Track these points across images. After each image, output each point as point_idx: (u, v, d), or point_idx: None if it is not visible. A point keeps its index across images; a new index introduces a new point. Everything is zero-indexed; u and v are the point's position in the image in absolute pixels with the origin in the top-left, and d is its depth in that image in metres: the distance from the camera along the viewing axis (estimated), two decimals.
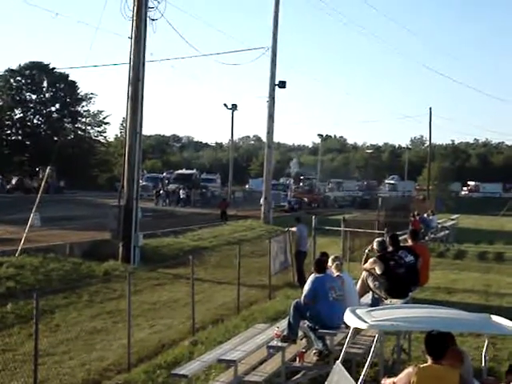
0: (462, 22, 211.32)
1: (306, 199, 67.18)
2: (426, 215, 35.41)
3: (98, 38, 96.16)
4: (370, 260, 12.36)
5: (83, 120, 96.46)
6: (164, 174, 76.44)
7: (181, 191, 60.87)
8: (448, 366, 6.44)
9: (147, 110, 40.60)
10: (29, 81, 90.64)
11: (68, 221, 35.09)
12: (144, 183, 57.05)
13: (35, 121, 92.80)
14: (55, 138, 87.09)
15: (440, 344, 6.43)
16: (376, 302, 11.85)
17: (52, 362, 11.85)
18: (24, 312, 14.89)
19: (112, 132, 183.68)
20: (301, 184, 78.74)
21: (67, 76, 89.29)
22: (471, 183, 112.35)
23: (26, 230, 21.95)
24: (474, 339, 12.22)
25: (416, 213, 34.29)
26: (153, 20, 24.22)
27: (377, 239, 13.30)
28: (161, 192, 61.04)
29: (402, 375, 6.48)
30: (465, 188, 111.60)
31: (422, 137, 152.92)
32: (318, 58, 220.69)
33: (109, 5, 25.77)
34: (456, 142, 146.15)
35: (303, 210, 56.47)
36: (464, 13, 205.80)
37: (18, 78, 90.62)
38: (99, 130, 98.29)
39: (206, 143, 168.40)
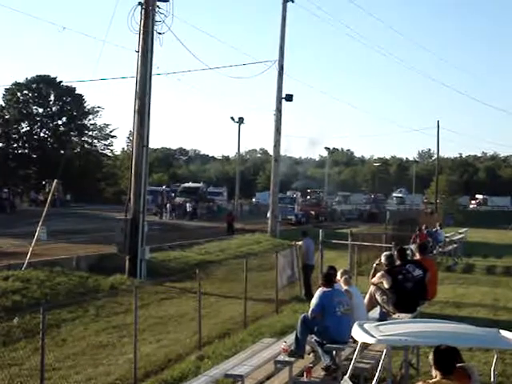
0: (468, 35, 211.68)
1: (312, 212, 67.12)
2: (434, 229, 35.25)
3: (104, 52, 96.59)
4: (378, 274, 12.31)
5: (90, 133, 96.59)
6: (163, 187, 75.65)
7: (187, 204, 60.93)
8: (457, 382, 6.37)
9: (154, 123, 40.73)
10: (36, 94, 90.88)
11: (74, 234, 35.14)
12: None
13: (42, 134, 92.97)
14: (62, 152, 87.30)
15: (449, 359, 6.37)
16: (384, 317, 11.78)
17: (58, 376, 11.80)
18: (30, 326, 14.80)
19: (119, 145, 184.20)
20: (308, 197, 78.71)
21: (74, 89, 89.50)
22: (479, 196, 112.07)
23: (33, 244, 21.95)
24: (483, 354, 12.14)
25: (424, 226, 34.11)
26: (159, 34, 24.27)
27: (384, 253, 13.27)
28: (167, 205, 61.05)
29: None
30: (473, 201, 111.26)
31: (429, 150, 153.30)
32: (325, 71, 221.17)
33: (116, 18, 25.87)
34: (464, 155, 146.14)
35: (310, 224, 56.42)
36: (471, 27, 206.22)
37: (25, 92, 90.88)
38: (106, 143, 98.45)
39: (213, 156, 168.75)
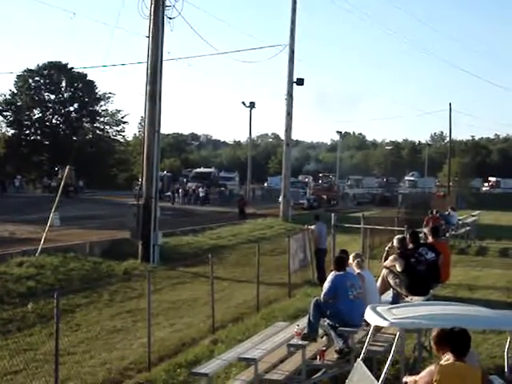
0: (481, 16, 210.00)
1: (324, 197, 67.02)
2: (447, 213, 35.08)
3: (115, 38, 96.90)
4: (391, 257, 12.30)
5: (102, 119, 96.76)
6: (165, 171, 74.17)
7: (200, 189, 60.99)
8: (470, 364, 6.39)
9: (165, 108, 40.71)
10: (47, 81, 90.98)
11: (87, 220, 35.29)
12: None
13: (54, 121, 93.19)
14: (74, 138, 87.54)
15: (464, 341, 6.39)
16: (396, 300, 11.78)
17: (73, 361, 11.87)
18: (45, 311, 14.95)
19: (130, 131, 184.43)
20: (320, 181, 78.63)
21: (85, 75, 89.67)
22: (492, 179, 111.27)
23: (46, 230, 22.06)
24: (496, 336, 12.13)
25: (435, 211, 33.97)
26: (170, 18, 24.25)
27: (397, 236, 13.25)
28: (179, 191, 61.11)
29: (425, 373, 6.44)
30: (486, 184, 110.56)
31: (442, 133, 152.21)
32: (337, 54, 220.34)
33: (126, 4, 25.90)
34: (476, 138, 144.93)
35: (322, 208, 56.38)
36: (484, 7, 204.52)
37: (37, 78, 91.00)
38: (118, 129, 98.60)
39: (224, 141, 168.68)
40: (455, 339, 6.39)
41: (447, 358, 6.41)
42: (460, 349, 6.36)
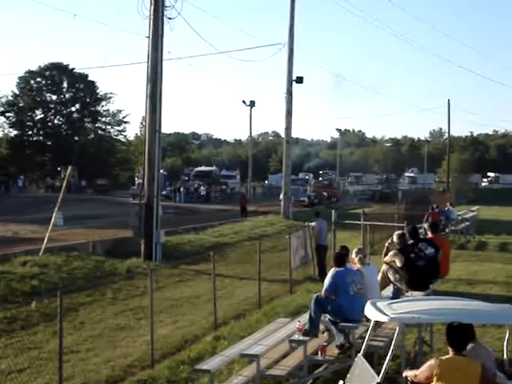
0: (480, 14, 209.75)
1: (325, 194, 67.01)
2: (446, 208, 35.12)
3: (116, 38, 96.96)
4: (390, 253, 12.37)
5: (103, 119, 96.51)
6: (160, 171, 73.23)
7: (201, 188, 61.05)
8: (470, 358, 6.47)
9: (166, 108, 40.81)
10: (49, 82, 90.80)
11: (90, 219, 35.37)
12: (139, 181, 55.79)
13: (56, 121, 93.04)
14: (76, 138, 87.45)
15: (462, 335, 6.46)
16: (397, 295, 11.87)
17: (77, 359, 11.99)
18: (48, 310, 15.04)
19: (132, 131, 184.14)
20: (320, 179, 78.65)
21: (86, 76, 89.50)
22: (491, 174, 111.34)
23: (49, 229, 22.16)
24: (496, 330, 12.21)
25: (435, 206, 34.04)
26: (170, 19, 24.36)
27: (397, 232, 13.31)
28: (181, 189, 61.09)
29: (424, 367, 6.51)
30: (485, 179, 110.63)
31: (440, 129, 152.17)
32: (335, 51, 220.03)
33: (126, 4, 26.02)
34: (475, 134, 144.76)
35: (323, 205, 56.41)
36: (482, 5, 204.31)
37: (38, 79, 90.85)
38: (119, 129, 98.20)
39: (225, 140, 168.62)
40: (452, 334, 6.47)
41: (448, 352, 6.51)
42: (456, 343, 6.43)
